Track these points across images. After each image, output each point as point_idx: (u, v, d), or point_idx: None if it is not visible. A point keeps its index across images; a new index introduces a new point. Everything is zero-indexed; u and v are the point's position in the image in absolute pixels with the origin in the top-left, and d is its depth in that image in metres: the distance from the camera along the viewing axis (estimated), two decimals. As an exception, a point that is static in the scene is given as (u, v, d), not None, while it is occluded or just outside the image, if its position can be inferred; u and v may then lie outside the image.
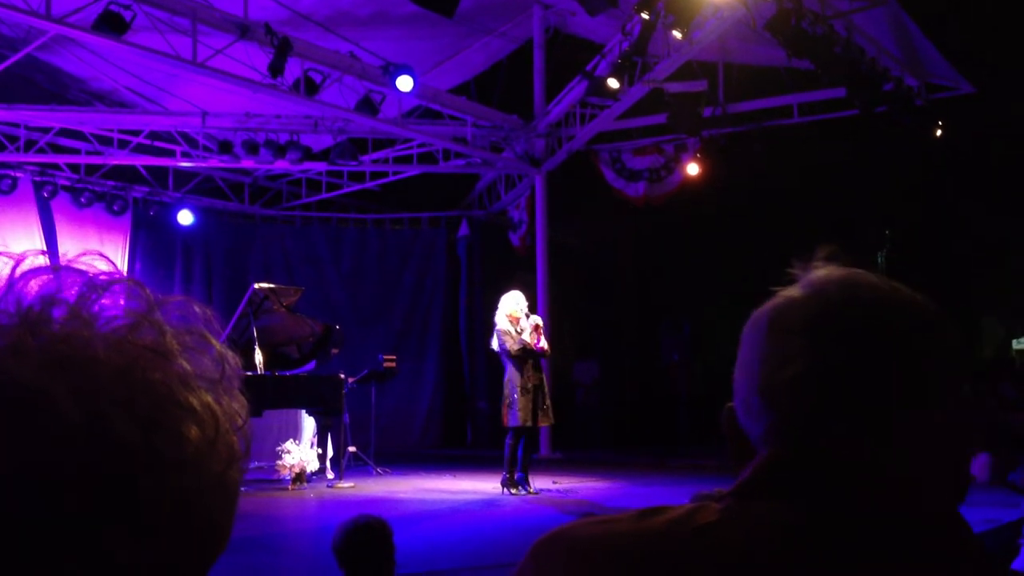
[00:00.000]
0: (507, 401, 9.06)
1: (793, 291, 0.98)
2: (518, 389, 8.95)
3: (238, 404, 0.63)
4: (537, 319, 9.21)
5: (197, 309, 0.65)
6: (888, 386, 0.89)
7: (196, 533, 0.60)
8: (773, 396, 0.93)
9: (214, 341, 0.64)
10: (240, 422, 0.64)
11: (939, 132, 12.28)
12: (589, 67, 12.32)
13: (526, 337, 8.98)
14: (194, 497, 0.60)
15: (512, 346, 8.94)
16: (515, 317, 9.05)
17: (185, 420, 0.59)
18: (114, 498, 0.56)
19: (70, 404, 0.55)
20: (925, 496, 0.87)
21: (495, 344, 9.13)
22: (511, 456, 9.17)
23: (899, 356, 0.90)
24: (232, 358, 0.64)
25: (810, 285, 0.98)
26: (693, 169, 13.91)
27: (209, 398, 0.61)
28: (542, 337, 9.10)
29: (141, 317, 0.61)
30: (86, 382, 0.56)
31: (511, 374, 9.03)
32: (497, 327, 9.08)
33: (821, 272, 0.99)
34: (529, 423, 8.99)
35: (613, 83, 11.80)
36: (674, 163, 14.29)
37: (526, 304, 9.21)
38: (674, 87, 12.31)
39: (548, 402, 9.19)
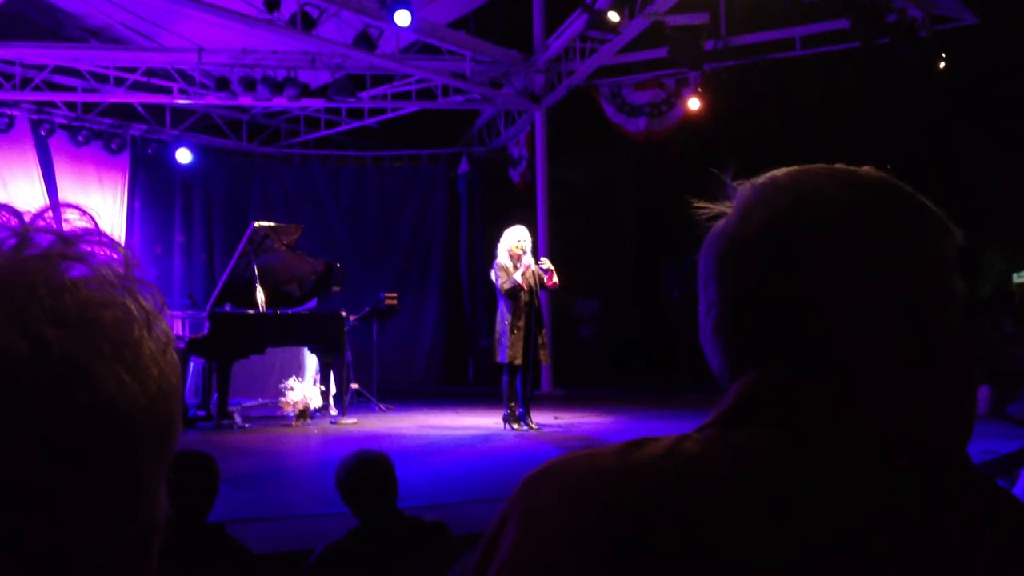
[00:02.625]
0: (496, 336, 9.11)
1: (716, 225, 0.99)
2: (508, 326, 8.97)
3: (151, 296, 0.64)
4: (528, 261, 9.01)
5: (82, 213, 0.64)
6: (810, 294, 0.87)
7: (151, 421, 0.60)
8: (710, 345, 0.95)
9: (114, 242, 0.64)
10: (160, 308, 0.64)
11: (942, 64, 12.16)
12: (589, 0, 12.16)
13: (517, 277, 8.91)
14: (150, 379, 0.60)
15: (504, 284, 8.92)
16: (516, 253, 9.01)
17: (117, 312, 0.60)
18: (75, 407, 0.56)
19: (7, 329, 0.55)
20: (907, 397, 0.86)
21: (493, 276, 9.11)
22: (509, 392, 9.21)
23: (811, 263, 0.87)
24: (131, 255, 0.64)
25: (726, 215, 0.98)
26: (694, 104, 13.79)
27: (126, 293, 0.61)
28: (554, 274, 9.07)
29: (23, 230, 0.60)
30: (4, 304, 0.56)
31: (502, 310, 9.04)
32: (496, 260, 9.06)
33: (740, 193, 0.98)
34: (518, 360, 9.00)
35: (613, 16, 11.67)
36: (675, 98, 14.17)
37: (529, 240, 9.14)
38: (675, 20, 12.16)
39: (543, 340, 9.19)
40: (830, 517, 0.79)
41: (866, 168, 0.96)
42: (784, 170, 0.98)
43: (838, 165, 0.96)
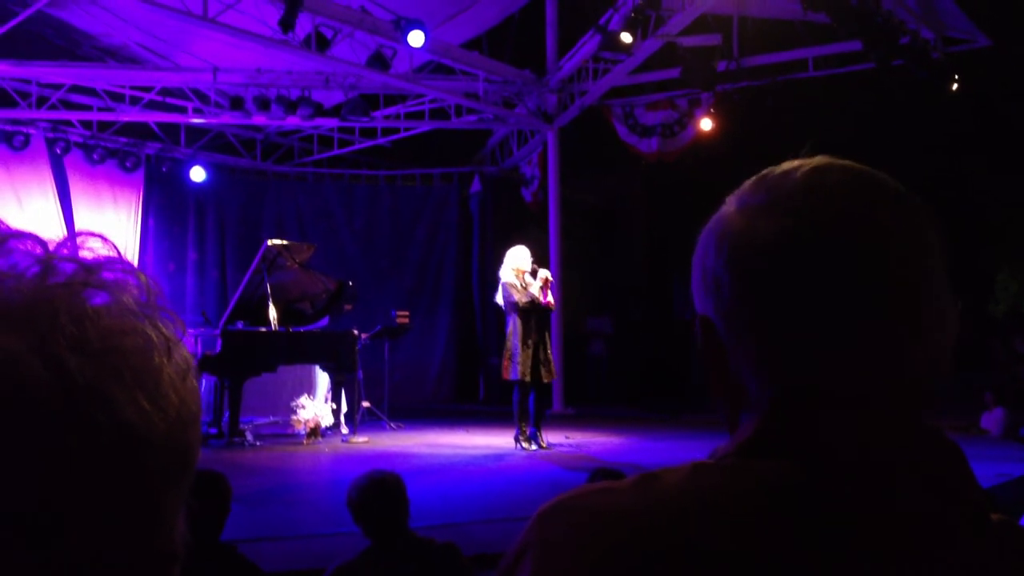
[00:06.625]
0: (508, 354, 9.10)
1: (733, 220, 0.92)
2: (520, 342, 8.98)
3: (171, 323, 0.64)
4: (547, 273, 9.16)
5: (104, 242, 0.65)
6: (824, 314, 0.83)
7: (167, 453, 0.61)
8: (748, 367, 0.89)
9: (135, 270, 0.64)
10: (181, 334, 0.64)
11: (955, 86, 12.15)
12: (602, 21, 12.20)
13: (534, 291, 8.97)
14: (165, 411, 0.60)
15: (520, 298, 8.94)
16: (520, 271, 9.05)
17: (137, 339, 0.60)
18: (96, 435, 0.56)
19: (30, 357, 0.55)
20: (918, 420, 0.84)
21: (499, 298, 9.13)
22: (521, 411, 9.20)
23: (827, 279, 0.83)
24: (153, 282, 0.65)
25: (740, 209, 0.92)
26: (707, 124, 13.81)
27: (147, 321, 0.62)
28: (548, 292, 9.09)
29: (46, 258, 0.61)
30: (28, 332, 0.56)
31: (514, 327, 9.05)
32: (502, 281, 9.09)
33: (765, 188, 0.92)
34: (528, 377, 9.01)
35: (626, 37, 11.69)
36: (687, 118, 14.19)
37: (531, 259, 9.19)
38: (688, 41, 12.19)
39: (549, 356, 9.17)
40: (854, 552, 0.78)
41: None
42: (811, 164, 0.93)
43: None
